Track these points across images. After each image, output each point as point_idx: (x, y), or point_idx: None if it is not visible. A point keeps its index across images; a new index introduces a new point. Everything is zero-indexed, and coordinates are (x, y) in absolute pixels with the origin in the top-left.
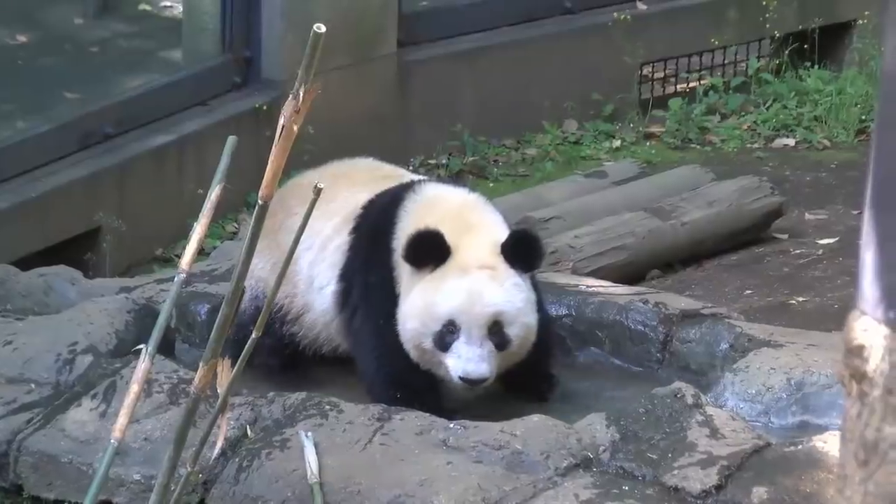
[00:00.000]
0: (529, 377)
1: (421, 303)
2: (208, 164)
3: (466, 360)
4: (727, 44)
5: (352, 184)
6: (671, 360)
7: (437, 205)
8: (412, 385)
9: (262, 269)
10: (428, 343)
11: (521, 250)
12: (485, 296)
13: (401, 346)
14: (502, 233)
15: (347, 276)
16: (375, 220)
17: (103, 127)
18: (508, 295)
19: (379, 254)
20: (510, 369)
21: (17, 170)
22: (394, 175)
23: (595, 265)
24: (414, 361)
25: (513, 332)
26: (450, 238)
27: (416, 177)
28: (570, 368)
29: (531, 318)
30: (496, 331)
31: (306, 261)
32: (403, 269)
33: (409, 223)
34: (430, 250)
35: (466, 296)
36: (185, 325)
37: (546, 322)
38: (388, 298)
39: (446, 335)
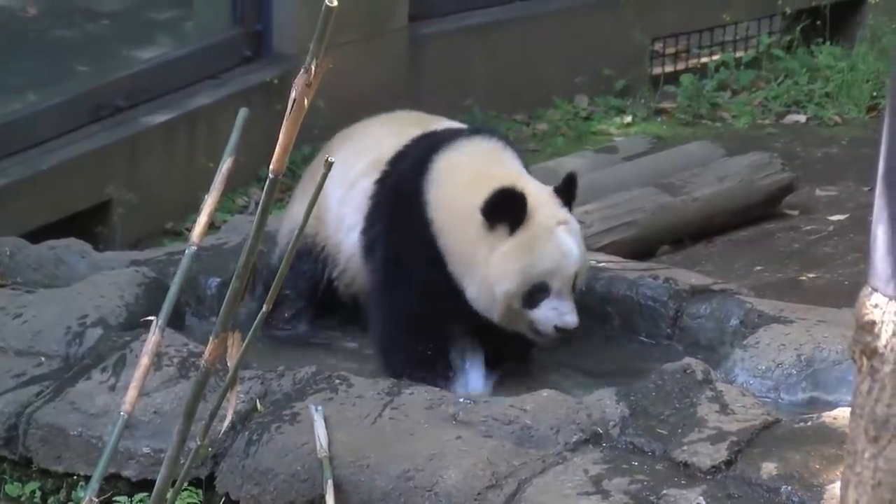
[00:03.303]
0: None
1: (514, 265)
2: (219, 138)
3: (563, 314)
4: (739, 19)
5: (384, 126)
6: (681, 336)
7: (464, 168)
8: (427, 353)
9: (298, 213)
10: (517, 303)
11: (571, 192)
12: (573, 254)
13: (420, 315)
14: (535, 180)
15: (370, 230)
16: (401, 186)
17: (114, 100)
18: (583, 246)
19: (408, 224)
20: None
21: (28, 142)
22: (425, 122)
23: (605, 240)
24: (429, 331)
25: (582, 276)
26: None
27: (440, 125)
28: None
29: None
30: (574, 281)
31: (335, 198)
32: (461, 237)
33: (442, 191)
34: (513, 210)
35: (559, 256)
36: (195, 298)
37: None
38: (422, 267)
39: (537, 293)
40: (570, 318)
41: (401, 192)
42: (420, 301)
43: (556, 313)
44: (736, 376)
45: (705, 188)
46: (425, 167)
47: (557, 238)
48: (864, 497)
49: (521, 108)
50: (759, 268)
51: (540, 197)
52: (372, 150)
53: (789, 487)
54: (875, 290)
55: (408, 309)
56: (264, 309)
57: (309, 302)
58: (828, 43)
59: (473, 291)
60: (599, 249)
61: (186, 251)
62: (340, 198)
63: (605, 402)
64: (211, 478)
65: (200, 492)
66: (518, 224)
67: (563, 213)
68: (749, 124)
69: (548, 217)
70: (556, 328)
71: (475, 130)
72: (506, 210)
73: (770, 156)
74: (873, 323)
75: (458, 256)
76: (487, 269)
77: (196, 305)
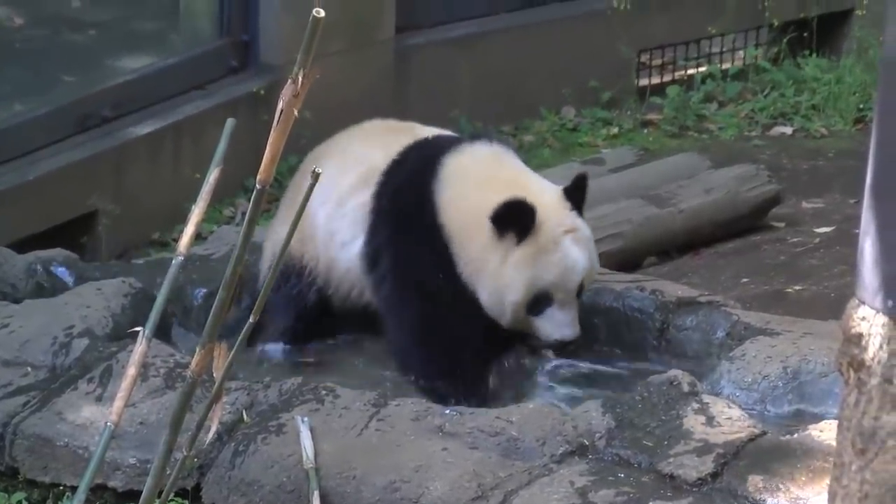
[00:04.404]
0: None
1: (520, 276)
2: (206, 149)
3: (562, 325)
4: (725, 31)
5: (366, 138)
6: (667, 348)
7: (473, 171)
8: (457, 361)
9: (279, 233)
10: (523, 311)
11: (582, 193)
12: (578, 266)
13: (447, 323)
14: (545, 181)
15: (374, 241)
16: (405, 192)
17: (101, 110)
18: (590, 253)
19: (419, 229)
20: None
21: (14, 152)
22: (405, 130)
23: None
24: (446, 337)
25: (589, 281)
26: None
27: (428, 132)
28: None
29: (598, 262)
30: (580, 288)
31: (323, 215)
32: (472, 243)
33: (453, 195)
34: (522, 221)
35: (564, 268)
36: (182, 309)
37: None
38: (433, 271)
39: (540, 302)
40: (569, 331)
41: (406, 197)
42: (433, 306)
43: (556, 325)
44: (722, 388)
45: (692, 200)
46: (433, 171)
47: (563, 249)
48: None
49: (507, 119)
50: (745, 280)
51: (549, 204)
52: (360, 163)
53: (775, 500)
54: (862, 302)
55: (422, 315)
56: (251, 320)
57: (296, 322)
58: (814, 55)
59: (486, 298)
60: None
61: (173, 261)
62: (329, 215)
63: (591, 414)
64: (197, 489)
65: (187, 502)
66: (525, 234)
67: (571, 219)
68: (735, 136)
69: (555, 226)
70: (557, 340)
71: (476, 135)
72: (514, 221)
73: (756, 168)
74: (861, 335)
75: (470, 262)
76: (498, 279)
77: (182, 316)
